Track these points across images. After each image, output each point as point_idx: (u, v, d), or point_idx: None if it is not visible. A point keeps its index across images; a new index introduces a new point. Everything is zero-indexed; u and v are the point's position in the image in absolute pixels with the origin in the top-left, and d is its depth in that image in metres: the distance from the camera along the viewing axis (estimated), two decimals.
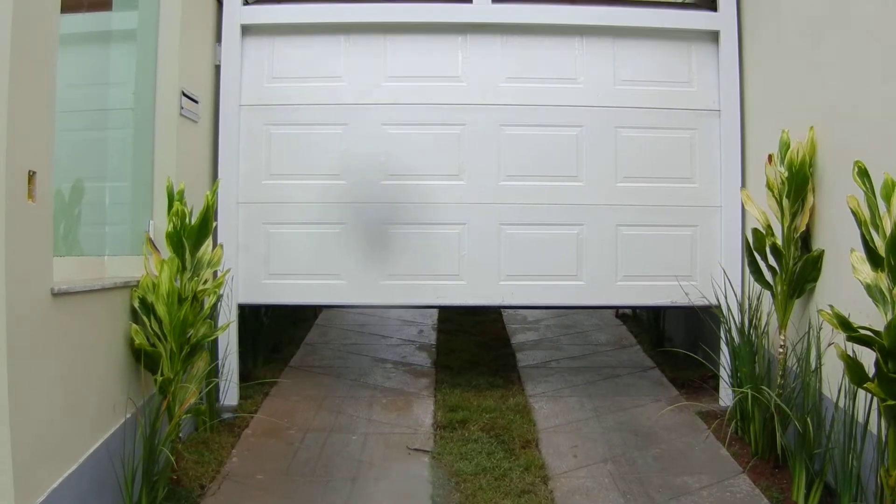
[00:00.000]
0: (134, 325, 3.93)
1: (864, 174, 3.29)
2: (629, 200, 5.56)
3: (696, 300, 5.43)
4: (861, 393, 3.42)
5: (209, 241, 4.25)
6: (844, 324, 3.20)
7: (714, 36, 5.57)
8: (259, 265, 5.54)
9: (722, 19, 5.53)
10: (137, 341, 3.89)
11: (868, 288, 3.29)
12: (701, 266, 5.46)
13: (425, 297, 5.68)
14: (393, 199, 5.55)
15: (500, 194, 5.57)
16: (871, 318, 3.29)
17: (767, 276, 4.54)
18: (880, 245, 3.18)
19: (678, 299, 5.48)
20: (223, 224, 5.29)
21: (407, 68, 5.62)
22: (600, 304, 5.86)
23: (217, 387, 5.13)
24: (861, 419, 3.50)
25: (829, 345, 3.76)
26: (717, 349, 5.31)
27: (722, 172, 5.50)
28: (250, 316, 6.19)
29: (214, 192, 4.29)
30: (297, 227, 5.57)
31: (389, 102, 5.57)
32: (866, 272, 3.30)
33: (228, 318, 5.08)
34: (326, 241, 5.56)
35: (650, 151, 5.57)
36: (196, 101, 5.05)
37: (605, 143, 5.57)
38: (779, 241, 4.39)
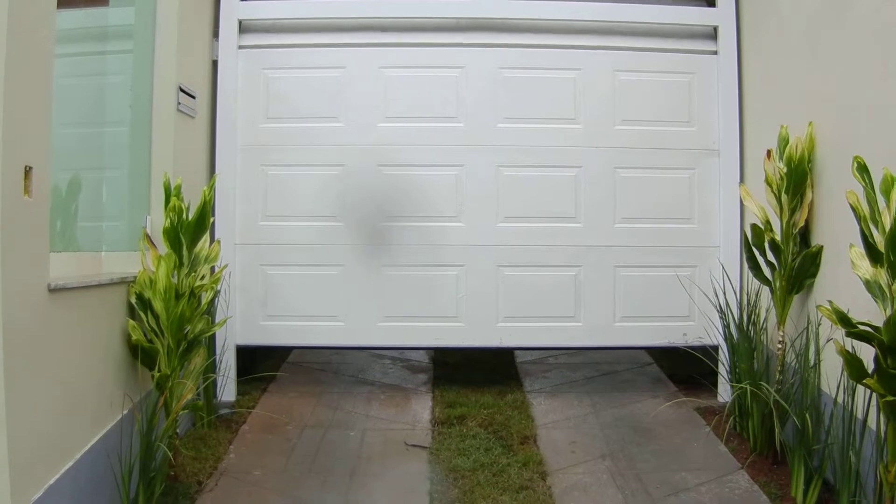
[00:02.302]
0: (131, 321, 3.92)
1: (863, 169, 3.28)
2: (627, 241, 5.58)
3: (693, 341, 5.48)
4: (860, 389, 3.41)
5: (206, 237, 4.24)
6: (843, 319, 3.19)
7: (713, 34, 5.57)
8: (257, 307, 5.55)
9: (720, 14, 5.53)
10: (134, 337, 3.88)
11: (867, 283, 3.29)
12: (699, 307, 5.46)
13: (423, 338, 5.70)
14: (391, 240, 5.56)
15: (498, 236, 5.58)
16: (870, 313, 3.29)
17: (766, 271, 4.53)
18: (879, 240, 3.17)
19: (676, 340, 5.54)
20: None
21: (404, 107, 5.58)
22: (598, 346, 5.90)
23: (214, 383, 5.12)
24: (860, 415, 3.50)
25: (828, 340, 3.75)
26: (716, 345, 5.31)
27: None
28: None
29: (212, 188, 4.27)
30: (295, 269, 5.57)
31: (386, 143, 5.55)
32: (865, 268, 3.29)
33: (226, 315, 5.07)
34: (324, 282, 5.56)
35: (649, 192, 5.58)
36: (193, 97, 5.03)
37: (604, 183, 5.57)
38: (777, 237, 4.38)
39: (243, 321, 5.50)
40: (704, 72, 5.58)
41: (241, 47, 5.52)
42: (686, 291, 5.51)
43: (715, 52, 5.55)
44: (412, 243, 5.56)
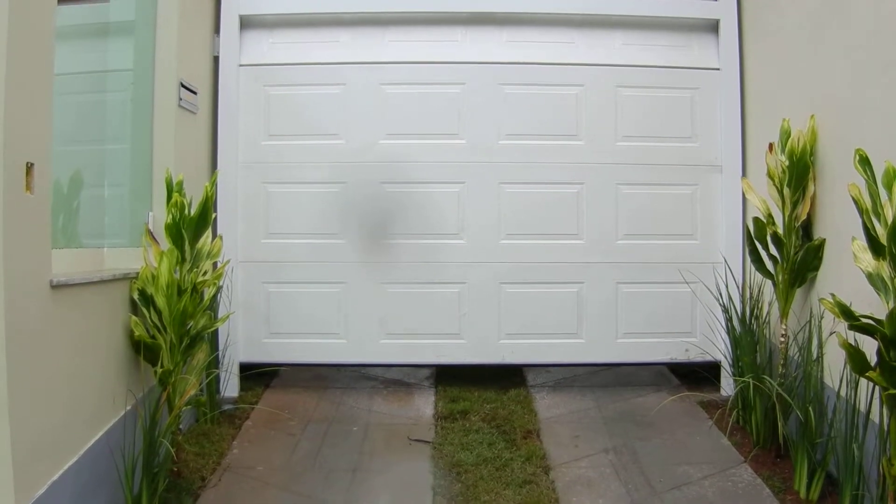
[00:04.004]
0: (133, 317, 3.92)
1: (865, 162, 3.27)
2: (630, 258, 5.59)
3: (696, 356, 5.49)
4: (863, 382, 3.41)
5: (209, 233, 4.23)
6: (846, 312, 3.19)
7: (714, 27, 5.56)
8: (259, 324, 5.56)
9: (722, 7, 5.52)
10: (137, 333, 3.88)
11: (869, 276, 3.28)
12: (700, 322, 5.47)
13: (425, 355, 5.69)
14: (392, 257, 5.57)
15: (500, 253, 5.58)
16: (872, 306, 3.28)
17: (768, 265, 4.52)
18: (882, 233, 3.16)
19: (678, 356, 5.58)
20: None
21: (405, 124, 5.57)
22: (600, 362, 5.89)
23: (217, 378, 5.13)
24: (863, 408, 3.49)
25: (831, 333, 3.75)
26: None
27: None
28: None
29: (213, 183, 4.27)
30: (297, 287, 5.58)
31: (388, 160, 5.54)
32: (868, 260, 3.29)
33: (228, 310, 5.07)
34: (326, 300, 5.58)
35: (651, 208, 5.59)
36: (195, 93, 5.03)
37: (606, 200, 5.58)
38: (780, 230, 4.37)
39: (246, 339, 5.52)
40: (706, 87, 5.57)
41: (241, 65, 5.53)
42: (688, 307, 5.54)
43: (717, 69, 5.54)
44: (414, 260, 5.57)
